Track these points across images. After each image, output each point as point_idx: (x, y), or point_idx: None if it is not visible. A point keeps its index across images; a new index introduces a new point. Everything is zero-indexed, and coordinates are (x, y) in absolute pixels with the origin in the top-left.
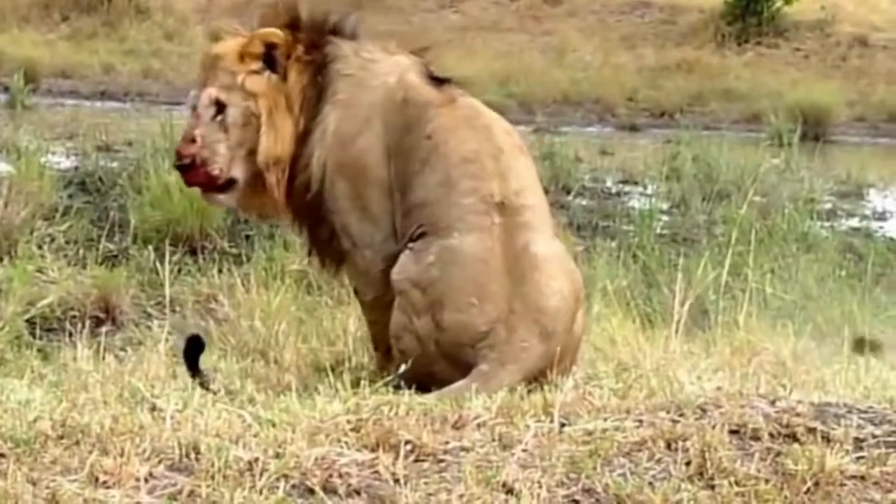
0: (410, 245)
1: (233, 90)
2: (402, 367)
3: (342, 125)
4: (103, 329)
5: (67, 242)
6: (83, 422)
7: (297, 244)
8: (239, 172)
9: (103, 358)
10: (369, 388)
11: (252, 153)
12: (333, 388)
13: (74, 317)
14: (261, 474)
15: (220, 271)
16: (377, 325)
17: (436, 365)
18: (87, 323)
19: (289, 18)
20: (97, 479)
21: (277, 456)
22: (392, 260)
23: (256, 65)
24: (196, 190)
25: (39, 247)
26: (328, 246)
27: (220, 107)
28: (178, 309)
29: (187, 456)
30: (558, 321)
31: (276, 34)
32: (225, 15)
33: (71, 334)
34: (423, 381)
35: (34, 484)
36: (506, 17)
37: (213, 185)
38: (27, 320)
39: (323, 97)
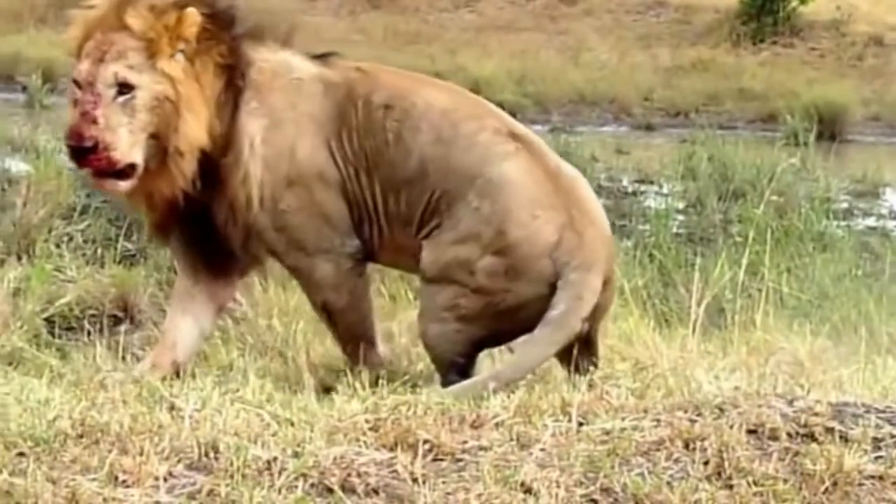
0: (435, 223)
1: (144, 71)
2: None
3: (271, 137)
4: (122, 328)
5: (85, 241)
6: (102, 421)
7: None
8: (139, 158)
9: (122, 357)
10: (388, 387)
11: (154, 138)
12: (352, 388)
13: (93, 316)
14: (279, 473)
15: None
16: (353, 323)
17: (516, 296)
18: (106, 322)
19: (207, 9)
20: (116, 479)
21: (296, 455)
22: (358, 257)
23: (183, 46)
24: (87, 173)
25: (58, 246)
26: (223, 253)
27: (126, 88)
28: None
29: (206, 455)
30: (609, 240)
31: (200, 21)
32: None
33: (89, 333)
34: (508, 326)
35: (54, 483)
36: (522, 16)
37: (112, 171)
38: (45, 319)
39: (238, 104)
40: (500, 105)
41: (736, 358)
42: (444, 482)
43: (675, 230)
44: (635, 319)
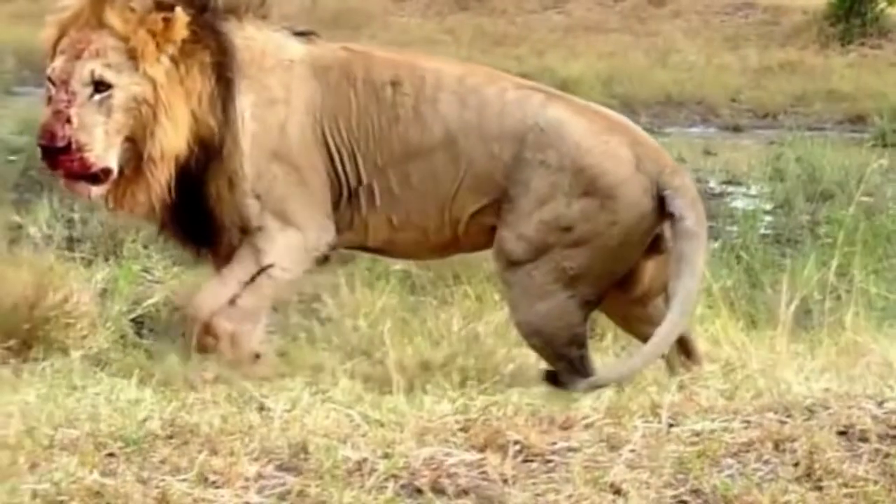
0: (491, 197)
1: (123, 71)
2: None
3: (261, 113)
4: None
5: None
6: (192, 421)
7: None
8: (114, 162)
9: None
10: (477, 388)
11: (130, 142)
12: (441, 389)
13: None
14: (369, 474)
15: (323, 271)
16: (261, 299)
17: (623, 225)
18: None
19: (191, 7)
20: (206, 479)
21: (386, 456)
22: (327, 250)
23: (171, 50)
24: (58, 176)
25: (145, 247)
26: (215, 241)
27: (103, 86)
28: (281, 308)
29: (296, 456)
30: None
31: (186, 22)
32: (330, 17)
33: (175, 335)
34: (620, 265)
35: (144, 483)
36: (610, 17)
37: (85, 174)
38: (132, 320)
39: (230, 89)
40: None
41: (825, 359)
42: (533, 483)
43: (762, 231)
44: (723, 321)
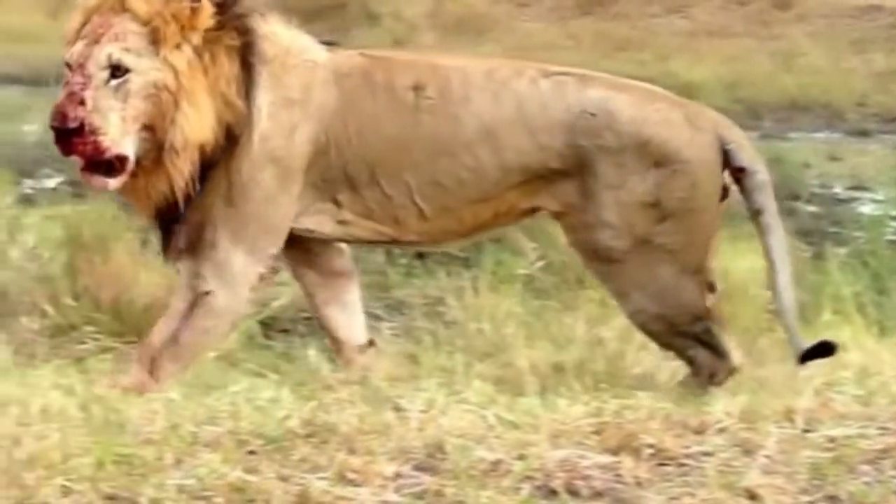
0: (576, 198)
1: (143, 56)
2: None
3: (277, 112)
4: None
5: None
6: (331, 420)
7: (524, 249)
8: (130, 150)
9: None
10: (609, 391)
11: (149, 131)
12: (573, 391)
13: (306, 319)
14: (505, 475)
15: (447, 274)
16: (201, 332)
17: (704, 184)
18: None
19: None
20: (345, 478)
21: (521, 457)
22: (266, 272)
23: (194, 39)
24: (77, 163)
25: None
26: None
27: (120, 71)
28: (406, 311)
29: (432, 456)
30: None
31: (212, 12)
32: (454, 22)
33: (303, 336)
34: (716, 219)
35: (285, 480)
36: (734, 21)
37: (100, 159)
38: (260, 321)
39: (252, 77)
40: None
41: None
42: (668, 487)
43: (889, 237)
44: (854, 327)
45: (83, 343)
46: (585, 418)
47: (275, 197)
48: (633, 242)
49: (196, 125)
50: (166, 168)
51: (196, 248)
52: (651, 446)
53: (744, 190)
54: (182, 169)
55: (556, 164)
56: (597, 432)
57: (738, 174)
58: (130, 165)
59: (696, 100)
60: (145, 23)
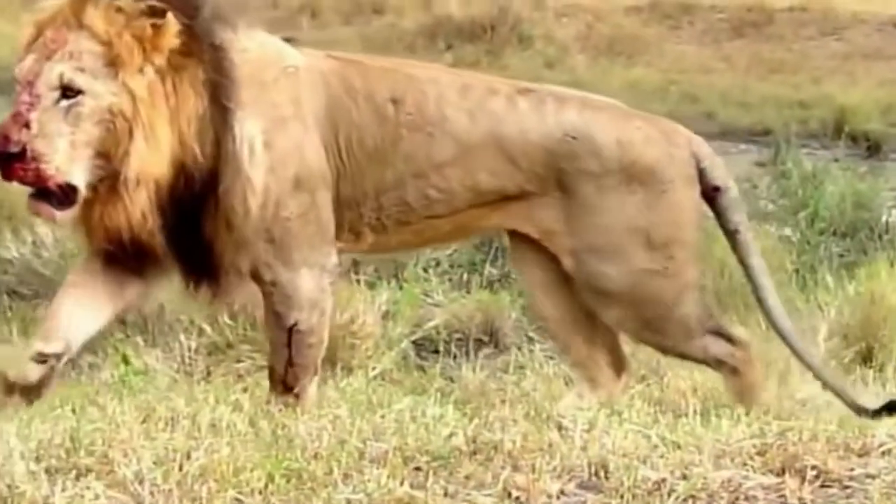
0: (560, 222)
1: (98, 78)
2: None
3: (275, 139)
4: (484, 351)
5: (452, 266)
6: (495, 438)
7: None
8: (80, 179)
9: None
10: (771, 413)
11: (103, 158)
12: (735, 413)
13: (459, 339)
14: (668, 494)
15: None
16: (312, 347)
17: (682, 186)
18: (471, 346)
19: (186, 17)
20: (510, 495)
21: (684, 477)
22: (335, 272)
23: (157, 60)
24: (24, 191)
25: (425, 270)
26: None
27: (72, 92)
28: None
29: (596, 475)
30: None
31: (178, 31)
32: (606, 44)
33: (455, 356)
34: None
35: (451, 497)
36: (890, 44)
37: (44, 187)
38: (413, 342)
39: (226, 117)
40: (866, 135)
41: None
42: None
43: None
44: None
45: (240, 361)
46: (748, 439)
47: (308, 213)
48: (626, 270)
49: (150, 160)
50: (122, 200)
51: (257, 282)
52: (815, 468)
53: (718, 208)
54: (138, 203)
55: (534, 188)
56: (760, 453)
57: (713, 193)
58: (80, 196)
59: (851, 124)
60: (103, 42)
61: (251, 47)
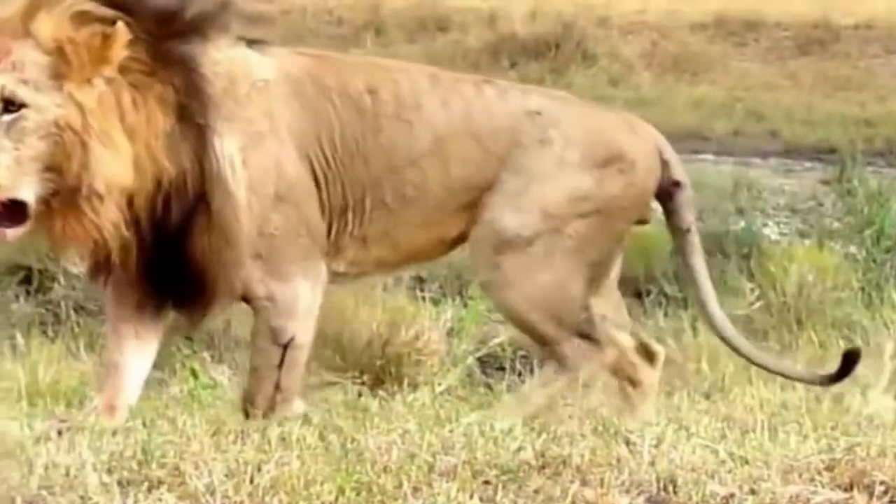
0: (493, 189)
1: (42, 90)
2: None
3: (252, 156)
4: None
5: None
6: (563, 453)
7: (742, 289)
8: (28, 194)
9: None
10: (838, 428)
11: (53, 172)
12: (803, 428)
13: (523, 357)
14: None
15: (665, 315)
16: (300, 363)
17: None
18: (536, 363)
19: (146, 30)
20: None
21: (752, 492)
22: (326, 281)
23: (106, 71)
24: None
25: None
26: (196, 304)
27: (14, 105)
28: None
29: (664, 489)
30: None
31: (127, 40)
32: (671, 61)
33: (520, 374)
34: None
35: None
36: None
37: None
38: (478, 358)
39: (202, 136)
40: None
41: None
42: None
43: None
44: None
45: (308, 377)
46: (816, 455)
47: (296, 226)
48: (541, 233)
49: (114, 166)
50: (87, 214)
51: (249, 300)
52: (883, 483)
53: (675, 206)
54: (108, 215)
55: (493, 172)
56: (828, 468)
57: (674, 188)
58: (31, 211)
59: None
60: (49, 52)
61: (222, 60)
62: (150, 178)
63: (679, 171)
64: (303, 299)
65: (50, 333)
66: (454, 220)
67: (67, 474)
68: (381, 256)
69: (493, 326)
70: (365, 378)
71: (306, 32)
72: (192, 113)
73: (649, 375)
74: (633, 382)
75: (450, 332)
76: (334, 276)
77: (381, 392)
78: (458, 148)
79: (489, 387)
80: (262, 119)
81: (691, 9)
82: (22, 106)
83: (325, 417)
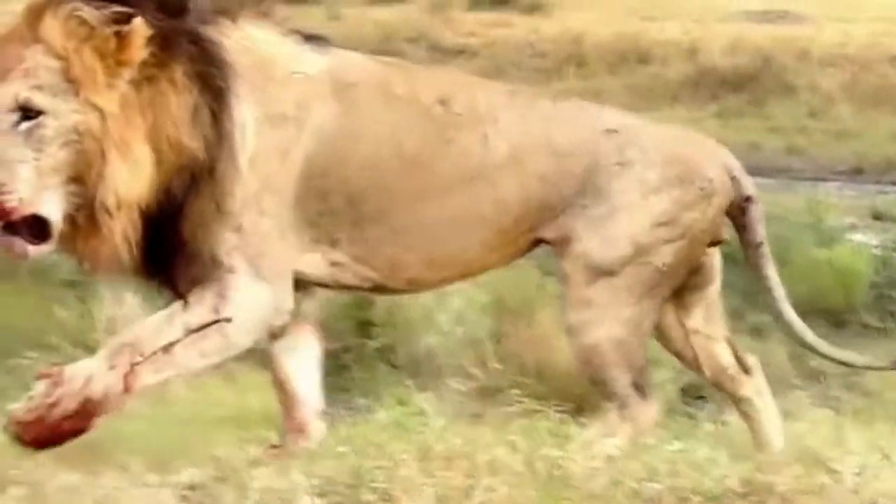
0: (576, 217)
1: (59, 94)
2: None
3: (265, 130)
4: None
5: None
6: (767, 480)
7: None
8: (52, 209)
9: None
10: None
11: (77, 183)
12: None
13: None
14: None
15: (865, 346)
16: (215, 357)
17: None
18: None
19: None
20: None
21: None
22: (290, 314)
23: (126, 74)
24: None
25: None
26: (175, 273)
27: (32, 113)
28: (822, 379)
29: None
30: None
31: (147, 37)
32: (872, 93)
33: (718, 403)
34: None
35: None
36: None
37: (7, 222)
38: (679, 388)
39: (222, 99)
40: None
41: None
42: None
43: None
44: None
45: (509, 405)
46: None
47: (281, 222)
48: (630, 262)
49: (129, 181)
50: (102, 228)
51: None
52: None
53: (748, 221)
54: (118, 230)
55: (571, 191)
56: None
57: (746, 203)
58: (55, 228)
59: None
60: (61, 56)
61: (260, 39)
62: (172, 167)
63: (749, 186)
64: (261, 295)
65: (260, 359)
66: (524, 235)
67: (281, 498)
68: (445, 277)
69: None
70: (567, 405)
71: (508, 65)
72: (212, 77)
73: (747, 387)
74: (736, 399)
75: (650, 361)
76: (392, 292)
77: (582, 419)
78: (537, 164)
79: (690, 416)
80: (290, 105)
81: (892, 41)
82: (40, 113)
83: (530, 444)
